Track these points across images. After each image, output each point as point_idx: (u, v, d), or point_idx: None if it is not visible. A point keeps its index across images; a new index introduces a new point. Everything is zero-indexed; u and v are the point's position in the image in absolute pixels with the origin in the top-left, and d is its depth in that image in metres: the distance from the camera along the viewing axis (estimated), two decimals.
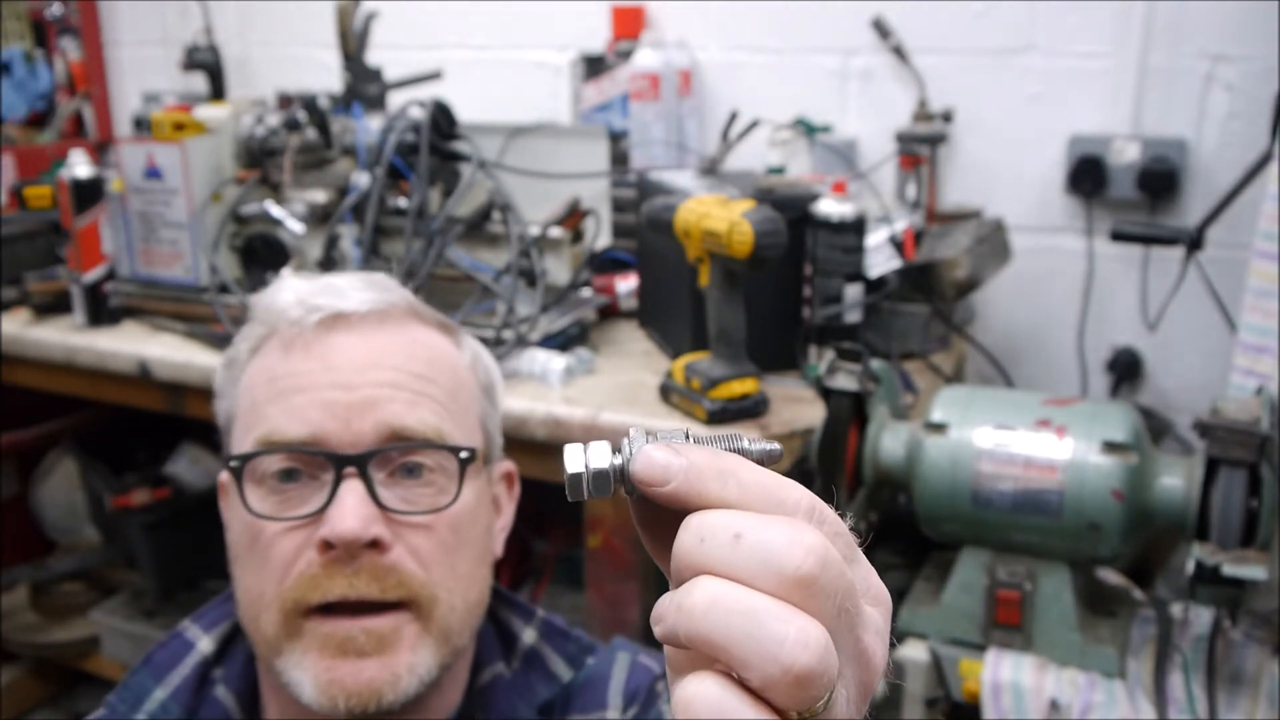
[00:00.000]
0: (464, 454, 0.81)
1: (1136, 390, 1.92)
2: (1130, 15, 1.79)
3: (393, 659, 0.77)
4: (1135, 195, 1.82)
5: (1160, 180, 1.79)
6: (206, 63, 2.39)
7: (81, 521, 2.40)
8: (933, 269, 1.62)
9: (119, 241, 1.76)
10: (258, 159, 1.71)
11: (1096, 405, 1.27)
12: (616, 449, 0.41)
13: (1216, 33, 1.75)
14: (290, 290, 0.84)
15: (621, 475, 0.40)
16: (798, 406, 1.39)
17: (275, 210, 1.66)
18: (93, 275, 1.75)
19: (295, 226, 1.65)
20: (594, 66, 2.10)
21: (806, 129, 1.95)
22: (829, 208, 1.48)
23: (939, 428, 1.26)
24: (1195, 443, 1.58)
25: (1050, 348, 1.96)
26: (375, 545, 0.77)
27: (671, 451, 0.39)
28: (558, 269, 1.56)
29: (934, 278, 1.62)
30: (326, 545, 0.77)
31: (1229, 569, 1.10)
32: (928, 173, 1.87)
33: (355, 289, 0.84)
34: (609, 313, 1.75)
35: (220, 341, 1.61)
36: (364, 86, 1.91)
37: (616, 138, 1.87)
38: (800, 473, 1.29)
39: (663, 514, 0.40)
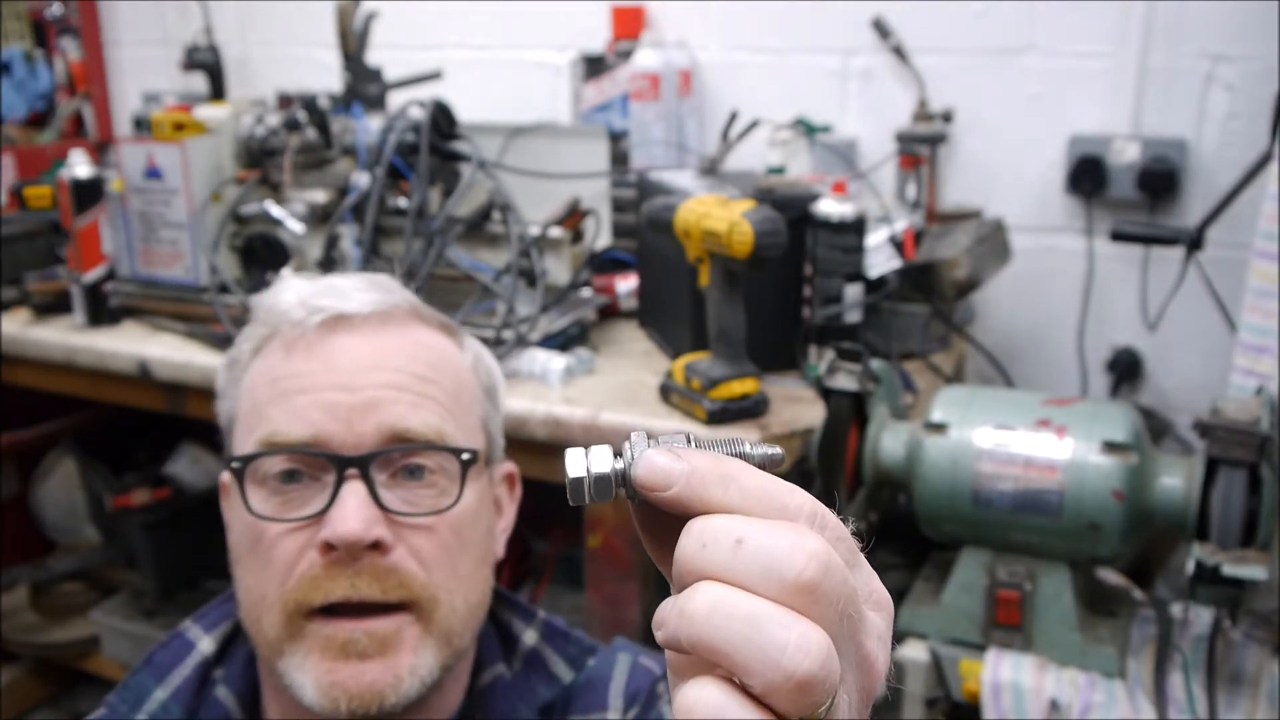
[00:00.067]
0: (466, 456, 0.81)
1: (1136, 390, 1.92)
2: (1130, 15, 1.79)
3: (394, 661, 0.77)
4: (1135, 195, 1.82)
5: (1160, 180, 1.79)
6: (206, 63, 2.39)
7: (81, 521, 2.40)
8: (933, 269, 1.62)
9: (119, 241, 1.76)
10: (258, 159, 1.71)
11: (1096, 405, 1.27)
12: (618, 453, 0.41)
13: (1216, 33, 1.75)
14: (292, 291, 0.84)
15: (623, 480, 0.40)
16: (798, 406, 1.39)
17: (275, 210, 1.66)
18: (93, 275, 1.75)
19: (295, 226, 1.65)
20: (594, 66, 2.10)
21: (806, 129, 1.95)
22: (829, 208, 1.48)
23: (939, 428, 1.26)
24: (1195, 443, 1.59)
25: (1050, 348, 1.96)
26: (377, 547, 0.77)
27: (673, 456, 0.39)
28: (558, 269, 1.56)
29: (934, 278, 1.62)
30: (328, 547, 0.77)
31: (1229, 569, 1.10)
32: (928, 173, 1.87)
33: (358, 290, 0.84)
34: (609, 313, 1.75)
35: (220, 341, 1.61)
36: (364, 86, 1.92)
37: (616, 138, 1.87)
38: (800, 473, 1.29)
39: (664, 518, 0.40)
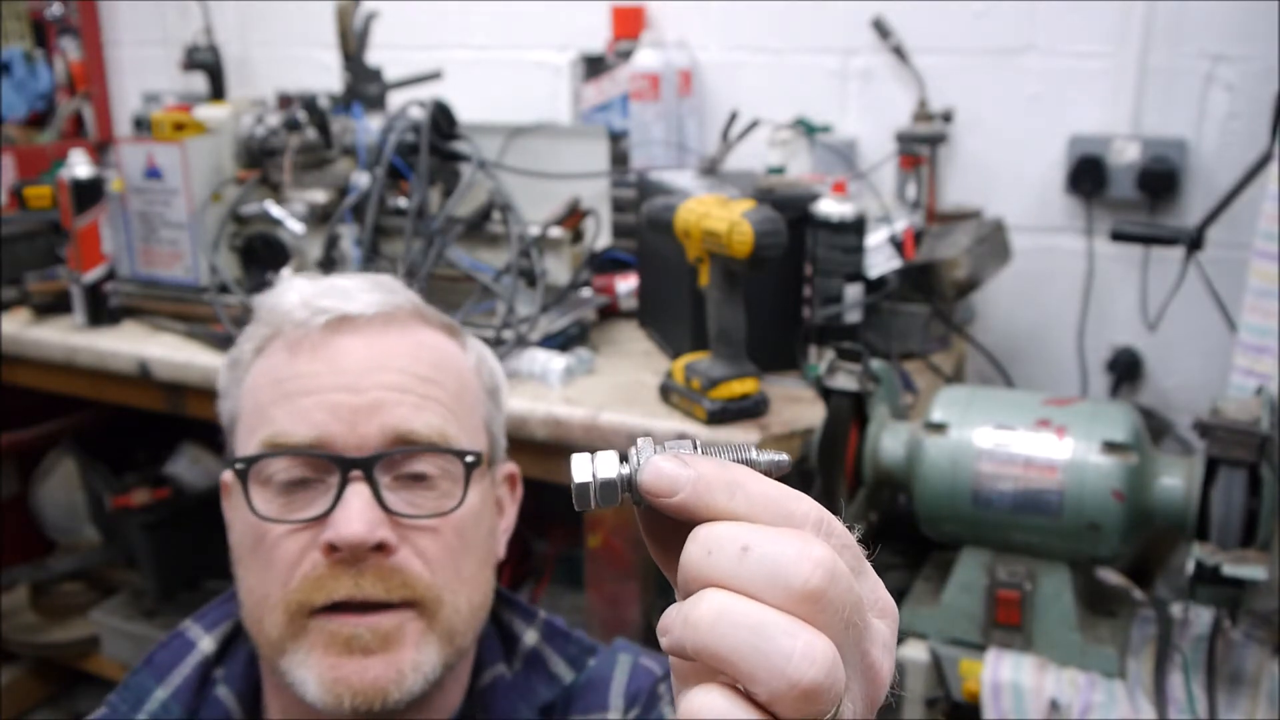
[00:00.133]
0: (470, 458, 0.81)
1: (1136, 390, 1.92)
2: (1130, 15, 1.79)
3: (397, 656, 0.77)
4: (1135, 195, 1.83)
5: (1160, 180, 1.79)
6: (206, 63, 2.39)
7: (81, 521, 2.40)
8: (933, 269, 1.62)
9: (119, 241, 1.76)
10: (258, 159, 1.71)
11: (1096, 405, 1.27)
12: (624, 458, 0.41)
13: (1216, 33, 1.75)
14: (295, 291, 0.84)
15: (629, 485, 0.40)
16: (798, 406, 1.39)
17: (275, 210, 1.66)
18: (93, 275, 1.75)
19: (295, 226, 1.65)
20: (594, 66, 2.10)
21: (806, 129, 1.95)
22: (829, 208, 1.48)
23: (939, 428, 1.26)
24: (1195, 443, 1.59)
25: (1050, 348, 1.96)
26: (381, 548, 0.77)
27: (679, 462, 0.39)
28: (558, 269, 1.56)
29: (934, 278, 1.62)
30: (331, 548, 0.77)
31: (1229, 569, 1.10)
32: (928, 173, 1.87)
33: (361, 290, 0.84)
34: (609, 313, 1.75)
35: (220, 341, 1.61)
36: (364, 86, 1.92)
37: (616, 138, 1.87)
38: (800, 473, 1.29)
39: (670, 524, 0.40)
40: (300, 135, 1.68)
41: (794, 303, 1.53)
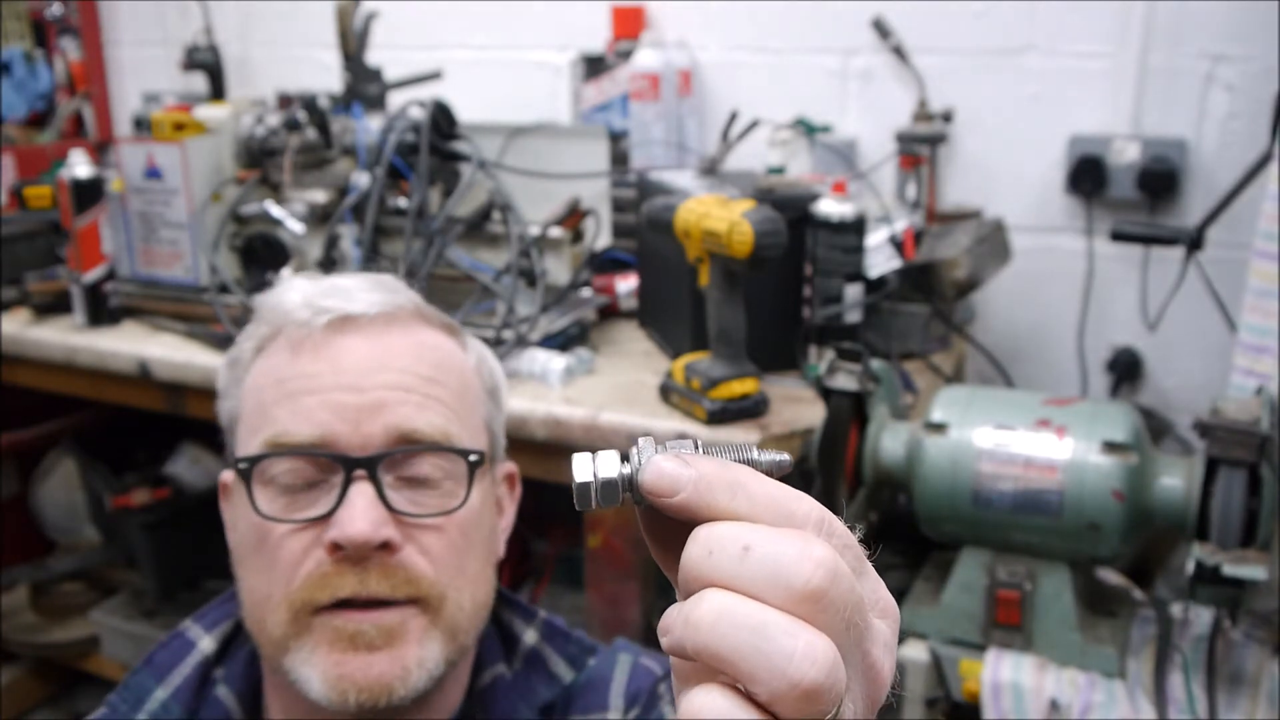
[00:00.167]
0: (473, 457, 0.82)
1: (1136, 390, 1.92)
2: (1130, 15, 1.79)
3: (401, 652, 0.77)
4: (1135, 195, 1.83)
5: (1160, 180, 1.79)
6: (206, 63, 2.39)
7: (81, 521, 2.40)
8: (933, 269, 1.62)
9: (119, 241, 1.76)
10: (258, 159, 1.71)
11: (1096, 405, 1.27)
12: (625, 458, 0.41)
13: (1216, 33, 1.76)
14: (297, 291, 0.84)
15: (630, 485, 0.40)
16: (798, 406, 1.39)
17: (275, 210, 1.66)
18: (93, 275, 1.75)
19: (295, 226, 1.65)
20: (594, 66, 2.10)
21: (806, 129, 1.95)
22: (829, 208, 1.48)
23: (939, 428, 1.26)
24: (1195, 443, 1.59)
25: (1050, 348, 1.96)
26: (385, 547, 0.77)
27: (680, 462, 0.39)
28: (558, 269, 1.56)
29: (934, 278, 1.62)
30: (335, 547, 0.77)
31: (1229, 569, 1.10)
32: (928, 173, 1.87)
33: (363, 290, 0.84)
34: (609, 313, 1.76)
35: (220, 341, 1.61)
36: (364, 86, 1.92)
37: (616, 138, 1.87)
38: (800, 473, 1.29)
39: (671, 524, 0.40)
40: (300, 135, 1.68)
41: (794, 303, 1.53)
